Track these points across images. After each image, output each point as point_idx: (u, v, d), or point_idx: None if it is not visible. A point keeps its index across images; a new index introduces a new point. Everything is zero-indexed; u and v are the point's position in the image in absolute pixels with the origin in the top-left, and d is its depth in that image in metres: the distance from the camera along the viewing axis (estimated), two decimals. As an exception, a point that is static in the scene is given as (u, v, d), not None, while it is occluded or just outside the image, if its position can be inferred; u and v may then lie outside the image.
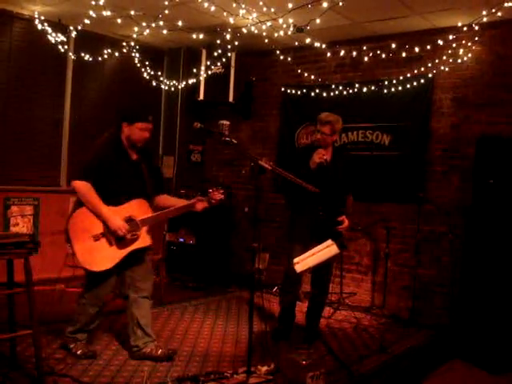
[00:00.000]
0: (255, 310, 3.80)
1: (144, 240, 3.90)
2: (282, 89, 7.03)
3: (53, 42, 5.89)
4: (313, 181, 4.34)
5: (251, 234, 3.77)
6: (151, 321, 4.18)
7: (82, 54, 6.17)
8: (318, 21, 4.95)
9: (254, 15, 5.19)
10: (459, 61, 5.58)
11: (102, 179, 3.77)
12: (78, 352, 3.96)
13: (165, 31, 5.64)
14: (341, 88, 6.39)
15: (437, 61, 5.70)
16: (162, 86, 6.96)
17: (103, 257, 3.74)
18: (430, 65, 5.76)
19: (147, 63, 6.53)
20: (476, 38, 5.40)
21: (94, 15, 5.21)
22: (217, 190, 4.12)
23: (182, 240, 6.92)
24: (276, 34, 5.58)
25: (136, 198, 3.89)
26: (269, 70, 7.23)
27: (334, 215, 4.61)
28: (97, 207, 3.74)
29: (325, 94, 6.49)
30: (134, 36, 5.75)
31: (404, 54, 5.78)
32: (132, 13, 5.24)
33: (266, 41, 5.81)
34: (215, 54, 6.43)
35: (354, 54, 5.98)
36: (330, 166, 4.68)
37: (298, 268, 4.02)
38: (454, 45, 5.55)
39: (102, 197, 3.78)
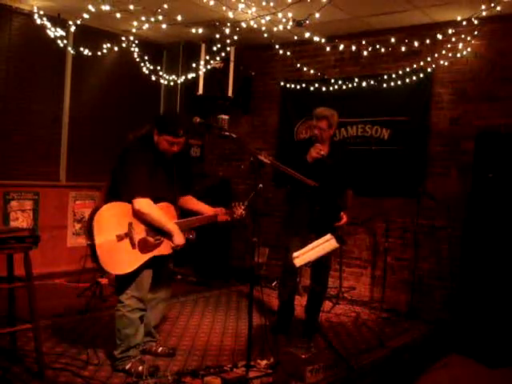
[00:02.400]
0: (255, 304, 3.81)
1: (166, 247, 3.72)
2: (282, 83, 7.03)
3: (52, 36, 5.86)
4: (310, 175, 4.35)
5: (251, 228, 3.77)
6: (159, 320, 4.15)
7: (82, 49, 6.14)
8: (317, 15, 4.96)
9: (254, 9, 5.19)
10: (458, 55, 5.58)
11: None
12: (140, 369, 3.61)
13: (164, 26, 5.64)
14: (340, 82, 6.39)
15: (436, 55, 5.70)
16: (162, 81, 6.95)
17: (123, 260, 3.53)
18: (429, 59, 5.76)
19: (146, 58, 6.52)
20: (475, 33, 5.40)
21: (93, 10, 5.21)
22: (239, 206, 4.02)
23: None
24: (275, 29, 5.57)
25: (165, 199, 3.76)
26: (268, 65, 7.22)
27: (331, 209, 4.63)
28: (163, 223, 3.60)
29: (324, 89, 6.49)
30: (133, 31, 5.75)
31: (403, 49, 5.77)
32: (131, 7, 5.23)
33: (266, 35, 5.80)
34: (214, 48, 6.41)
35: (354, 48, 5.98)
36: (328, 160, 4.69)
37: (298, 262, 4.02)
38: (453, 39, 5.56)
39: None
